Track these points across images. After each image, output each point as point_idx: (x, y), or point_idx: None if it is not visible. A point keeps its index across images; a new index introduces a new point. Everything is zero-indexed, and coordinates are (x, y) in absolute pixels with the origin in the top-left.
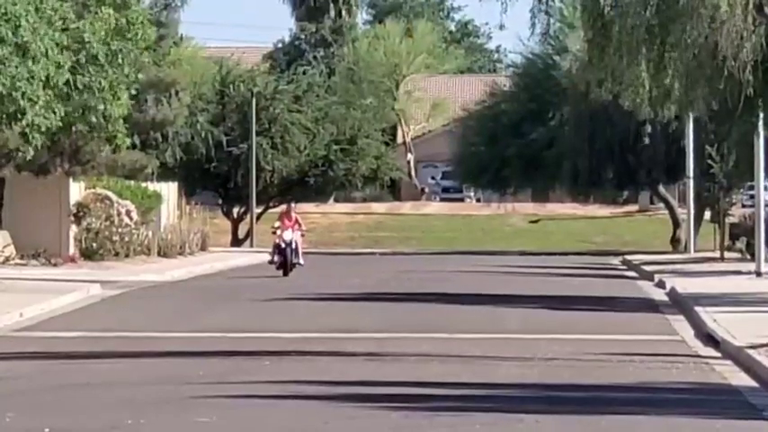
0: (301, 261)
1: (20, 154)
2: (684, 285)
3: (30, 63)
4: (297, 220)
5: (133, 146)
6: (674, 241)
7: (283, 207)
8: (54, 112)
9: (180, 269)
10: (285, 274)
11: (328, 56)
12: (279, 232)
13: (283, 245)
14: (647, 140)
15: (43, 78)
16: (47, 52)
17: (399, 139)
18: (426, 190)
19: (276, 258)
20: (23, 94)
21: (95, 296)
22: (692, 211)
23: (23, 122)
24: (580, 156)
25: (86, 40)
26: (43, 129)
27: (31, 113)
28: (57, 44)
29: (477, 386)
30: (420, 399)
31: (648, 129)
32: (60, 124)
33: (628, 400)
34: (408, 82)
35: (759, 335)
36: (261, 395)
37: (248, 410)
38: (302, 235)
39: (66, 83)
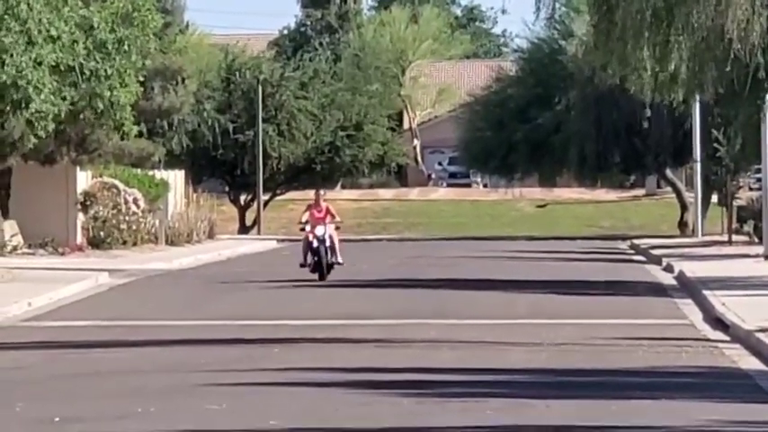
0: (339, 259)
1: (26, 142)
2: (692, 269)
3: (36, 49)
4: (328, 210)
5: (140, 134)
6: (682, 225)
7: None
8: (63, 98)
9: (187, 257)
10: (321, 277)
11: (334, 42)
12: (308, 228)
13: (316, 243)
14: (653, 124)
15: (53, 63)
16: (59, 37)
17: (406, 125)
18: (433, 176)
19: (309, 260)
20: (29, 81)
21: (104, 285)
22: (700, 195)
23: (30, 110)
24: (587, 140)
25: (94, 26)
26: (51, 116)
27: (38, 101)
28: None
29: (487, 372)
30: (430, 385)
31: (654, 113)
32: (71, 108)
33: (637, 384)
34: (414, 68)
35: None
36: (270, 382)
37: (257, 398)
38: (337, 228)
39: (73, 69)
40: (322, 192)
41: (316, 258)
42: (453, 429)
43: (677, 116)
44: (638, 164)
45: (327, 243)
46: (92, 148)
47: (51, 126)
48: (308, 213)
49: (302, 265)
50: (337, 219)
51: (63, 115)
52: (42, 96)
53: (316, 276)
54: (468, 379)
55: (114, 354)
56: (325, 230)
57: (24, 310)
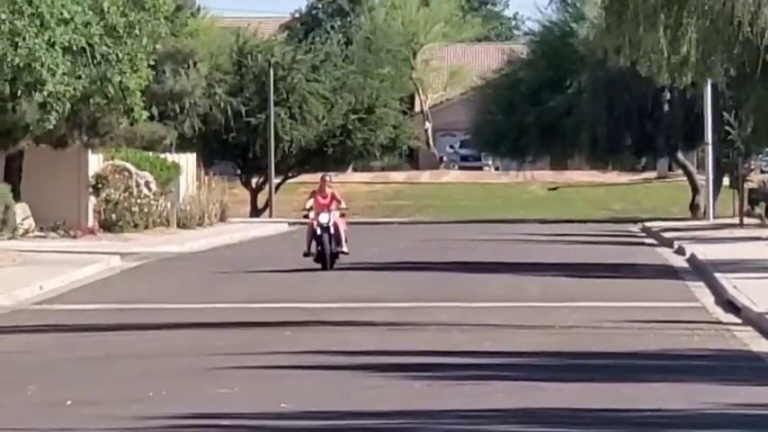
0: (345, 248)
1: (40, 125)
2: (704, 252)
3: (49, 31)
4: (333, 197)
5: (151, 117)
6: (693, 208)
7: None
8: (78, 77)
9: (199, 240)
10: (324, 267)
11: (345, 25)
12: (312, 215)
13: (319, 230)
14: (665, 107)
15: (65, 44)
16: (72, 18)
17: (417, 108)
18: (444, 159)
19: (312, 248)
20: (42, 63)
21: (115, 268)
22: (711, 178)
23: (44, 92)
24: (598, 123)
25: (105, 10)
26: (66, 96)
27: (52, 82)
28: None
29: (498, 354)
30: (441, 368)
31: (666, 95)
32: (85, 86)
33: (649, 367)
34: (426, 51)
35: None
36: (282, 366)
37: (269, 381)
38: (342, 215)
39: (85, 50)
40: (329, 177)
41: (319, 247)
42: (464, 412)
43: (689, 99)
44: (650, 147)
45: (332, 231)
46: (103, 131)
47: (67, 107)
48: (312, 200)
49: (306, 254)
50: (343, 205)
51: (78, 95)
52: (57, 77)
53: (319, 266)
54: (478, 362)
55: (126, 337)
56: (330, 218)
57: (36, 293)
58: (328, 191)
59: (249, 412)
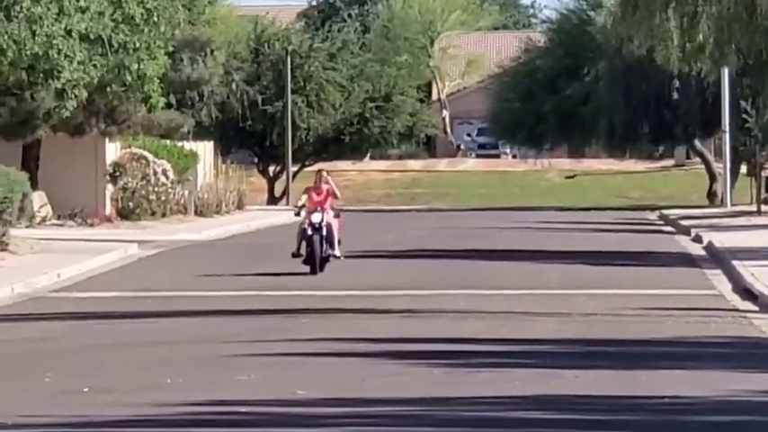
0: (337, 252)
1: (57, 113)
2: (721, 239)
3: (66, 19)
4: (329, 193)
5: (168, 105)
6: (711, 195)
7: (312, 173)
8: (95, 66)
9: (216, 228)
10: (314, 270)
11: (363, 13)
12: (303, 213)
13: (310, 231)
14: (681, 95)
15: (83, 30)
16: (88, 7)
17: (434, 96)
18: (462, 146)
19: (302, 249)
20: (60, 51)
21: (132, 256)
22: (728, 165)
23: (62, 80)
24: (616, 111)
25: None
26: (83, 83)
27: (70, 70)
28: None
29: (516, 342)
30: (458, 355)
31: (683, 83)
32: (102, 74)
33: (666, 354)
34: (443, 39)
35: None
36: (299, 353)
37: (287, 368)
38: (337, 215)
39: (101, 39)
40: (325, 172)
41: (309, 249)
42: (481, 399)
43: (706, 87)
44: (667, 134)
45: (324, 232)
46: (121, 119)
47: (84, 94)
48: (305, 197)
49: (294, 255)
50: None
51: (95, 83)
52: (74, 65)
53: (307, 269)
54: (496, 349)
55: (143, 324)
56: (323, 218)
57: (53, 280)
58: (324, 187)
59: (266, 399)
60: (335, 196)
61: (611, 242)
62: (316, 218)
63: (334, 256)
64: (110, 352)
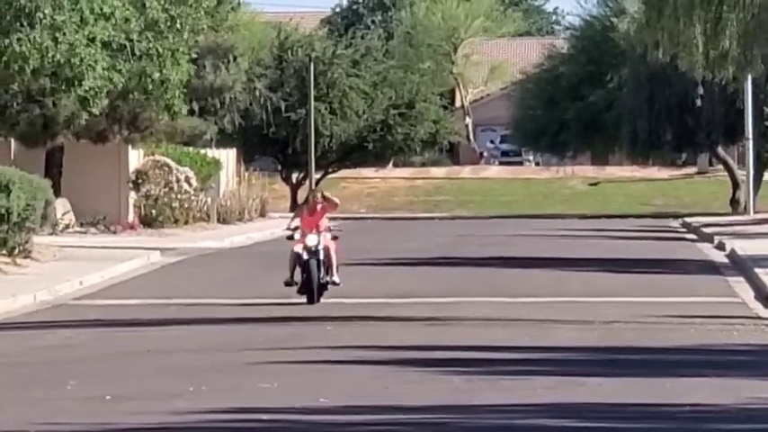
0: (336, 279)
1: (79, 120)
2: (744, 247)
3: (89, 27)
4: (324, 211)
5: (191, 112)
6: (734, 203)
7: (311, 192)
8: (119, 71)
9: (239, 235)
10: (311, 300)
11: (386, 20)
12: (297, 236)
13: (306, 255)
14: (705, 102)
15: (105, 38)
16: (112, 13)
17: (458, 103)
18: (485, 154)
19: (296, 277)
20: (82, 59)
21: (155, 263)
22: (752, 173)
23: (84, 87)
24: (639, 118)
25: (146, 5)
26: (105, 92)
27: (91, 78)
28: (122, 4)
29: (539, 350)
30: (481, 363)
31: (706, 90)
32: (125, 82)
33: (689, 362)
34: (466, 45)
35: None
36: (322, 361)
37: (309, 376)
38: (335, 237)
39: (124, 47)
40: (319, 194)
41: (305, 276)
42: (504, 407)
43: (729, 94)
44: (690, 142)
45: (321, 256)
46: (143, 126)
47: (105, 102)
48: (297, 218)
49: (288, 284)
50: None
51: (118, 90)
52: (96, 72)
53: (303, 300)
54: (519, 357)
55: (165, 332)
56: (319, 240)
57: (76, 288)
58: (319, 207)
59: (288, 407)
60: (334, 204)
61: (634, 250)
62: (311, 240)
63: (334, 283)
64: (132, 360)
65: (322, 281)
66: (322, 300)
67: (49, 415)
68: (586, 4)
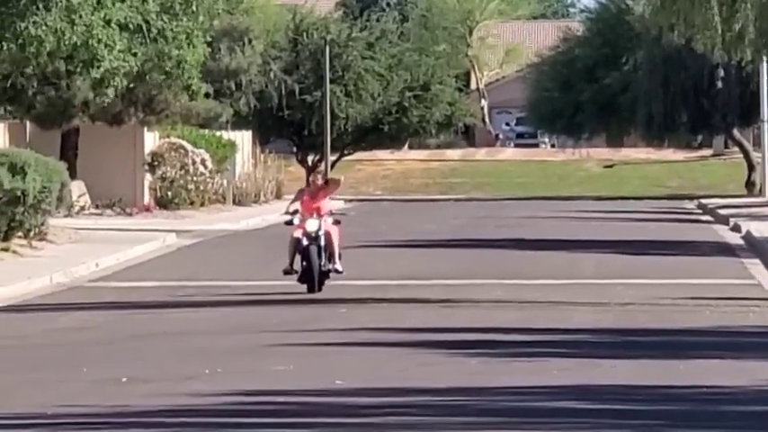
0: (339, 266)
1: (98, 100)
2: (760, 229)
3: (105, 9)
4: (326, 194)
5: (207, 95)
6: (749, 185)
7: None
8: (134, 54)
9: (255, 217)
10: (311, 289)
11: (401, 2)
12: (297, 220)
13: (306, 241)
14: (720, 84)
15: (122, 20)
16: None
17: (473, 86)
18: (500, 136)
19: (296, 265)
20: (99, 40)
21: (171, 245)
22: (767, 155)
23: (102, 69)
24: (654, 100)
25: None
26: (122, 73)
27: (109, 59)
28: None
29: (554, 332)
30: (496, 345)
31: (722, 72)
32: (141, 63)
33: (704, 344)
34: (482, 28)
35: None
36: (337, 343)
37: (325, 358)
38: (337, 222)
39: (141, 28)
40: (320, 172)
41: (305, 263)
42: (520, 389)
43: (745, 76)
44: (706, 124)
45: (322, 242)
46: (159, 108)
47: (123, 83)
48: (297, 201)
49: (287, 272)
50: (335, 210)
51: (134, 72)
52: (114, 54)
53: (304, 288)
54: (534, 339)
55: (181, 314)
56: (320, 225)
57: (92, 270)
58: (321, 188)
59: (304, 389)
60: (336, 183)
61: (649, 231)
62: (312, 225)
63: (336, 271)
64: (148, 342)
65: (323, 269)
66: (335, 282)
67: (65, 397)
68: None
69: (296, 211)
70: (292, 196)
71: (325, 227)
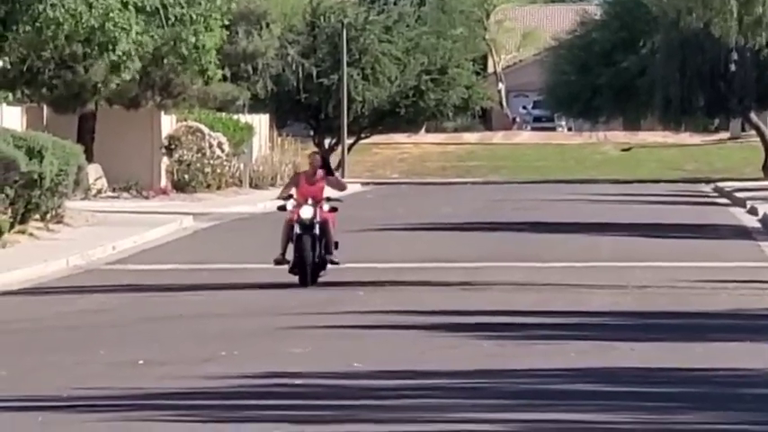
0: (335, 258)
1: (111, 84)
2: None
3: None
4: (324, 180)
5: (224, 78)
6: (766, 168)
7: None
8: (152, 37)
9: (272, 200)
10: (304, 281)
11: None
12: (291, 206)
13: (299, 229)
14: (737, 68)
15: (139, 3)
16: None
17: (490, 69)
18: (518, 119)
19: (289, 254)
20: (116, 23)
21: (188, 228)
22: None
23: (117, 52)
24: (671, 84)
25: None
26: (137, 55)
27: (125, 42)
28: None
29: (571, 314)
30: (514, 328)
31: (739, 56)
32: (158, 47)
33: (722, 326)
34: (499, 11)
35: None
36: (355, 326)
37: (342, 341)
38: (334, 209)
39: (158, 11)
40: (317, 154)
41: (297, 254)
42: (537, 372)
43: (762, 60)
44: (723, 107)
45: (317, 231)
46: (176, 92)
47: (138, 65)
48: (293, 186)
49: (278, 262)
50: (340, 190)
51: (151, 54)
52: (131, 37)
53: (296, 279)
54: (551, 321)
55: (198, 297)
56: (315, 212)
57: (109, 253)
58: (319, 172)
59: (322, 372)
60: (331, 172)
61: (666, 215)
62: (306, 212)
63: (332, 263)
64: (165, 324)
65: (318, 260)
66: (353, 265)
67: (82, 380)
68: None
69: (290, 196)
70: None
71: (320, 214)
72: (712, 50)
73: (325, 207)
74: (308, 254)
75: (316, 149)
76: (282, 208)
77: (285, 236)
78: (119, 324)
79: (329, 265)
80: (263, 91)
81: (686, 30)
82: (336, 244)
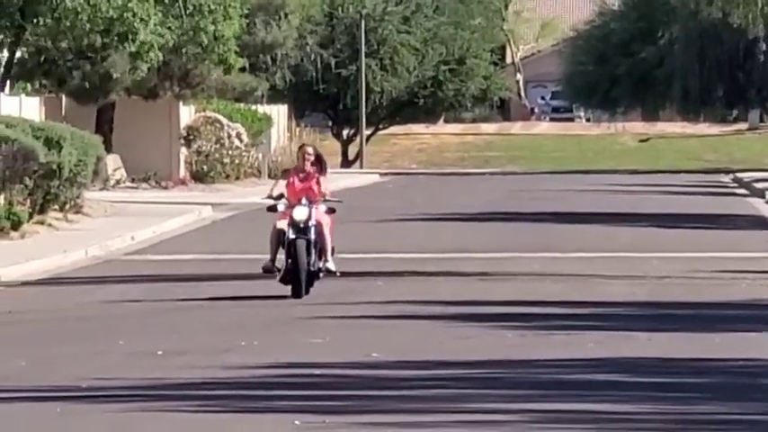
0: (331, 265)
1: (131, 74)
2: None
3: None
4: (317, 176)
5: (243, 69)
6: None
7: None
8: (169, 28)
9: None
10: (297, 292)
11: None
12: (282, 207)
13: (292, 233)
14: (756, 58)
15: None
16: None
17: (508, 60)
18: (536, 110)
19: (279, 262)
20: (135, 14)
21: (207, 218)
22: None
23: (136, 42)
24: (690, 74)
25: None
26: (157, 46)
27: (144, 33)
28: None
29: (589, 305)
30: (533, 318)
31: (758, 46)
32: (177, 37)
33: (740, 317)
34: (517, 2)
35: None
36: (374, 316)
37: (361, 331)
38: (332, 210)
39: (176, 1)
40: (309, 150)
41: (290, 261)
42: (556, 362)
43: None
44: (741, 98)
45: (312, 235)
46: (195, 82)
47: (159, 56)
48: (283, 183)
49: (267, 270)
50: (328, 191)
51: (170, 45)
52: (149, 27)
53: (288, 290)
54: (570, 312)
55: (217, 287)
56: (310, 213)
57: (128, 243)
58: (311, 169)
59: (341, 362)
60: (323, 169)
61: (685, 205)
62: (300, 214)
63: (328, 271)
64: (184, 315)
65: (313, 267)
66: (372, 255)
67: (101, 370)
68: None
69: (281, 196)
70: (329, 170)
71: (316, 216)
72: (731, 41)
73: (322, 208)
74: (303, 260)
75: (306, 143)
76: (272, 209)
77: (275, 241)
78: (138, 314)
79: (322, 274)
80: (282, 82)
81: (705, 20)
82: (333, 249)
